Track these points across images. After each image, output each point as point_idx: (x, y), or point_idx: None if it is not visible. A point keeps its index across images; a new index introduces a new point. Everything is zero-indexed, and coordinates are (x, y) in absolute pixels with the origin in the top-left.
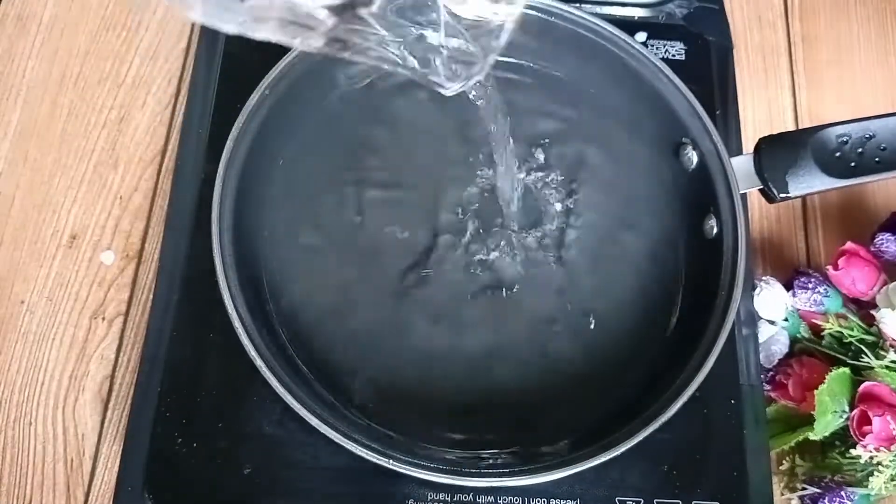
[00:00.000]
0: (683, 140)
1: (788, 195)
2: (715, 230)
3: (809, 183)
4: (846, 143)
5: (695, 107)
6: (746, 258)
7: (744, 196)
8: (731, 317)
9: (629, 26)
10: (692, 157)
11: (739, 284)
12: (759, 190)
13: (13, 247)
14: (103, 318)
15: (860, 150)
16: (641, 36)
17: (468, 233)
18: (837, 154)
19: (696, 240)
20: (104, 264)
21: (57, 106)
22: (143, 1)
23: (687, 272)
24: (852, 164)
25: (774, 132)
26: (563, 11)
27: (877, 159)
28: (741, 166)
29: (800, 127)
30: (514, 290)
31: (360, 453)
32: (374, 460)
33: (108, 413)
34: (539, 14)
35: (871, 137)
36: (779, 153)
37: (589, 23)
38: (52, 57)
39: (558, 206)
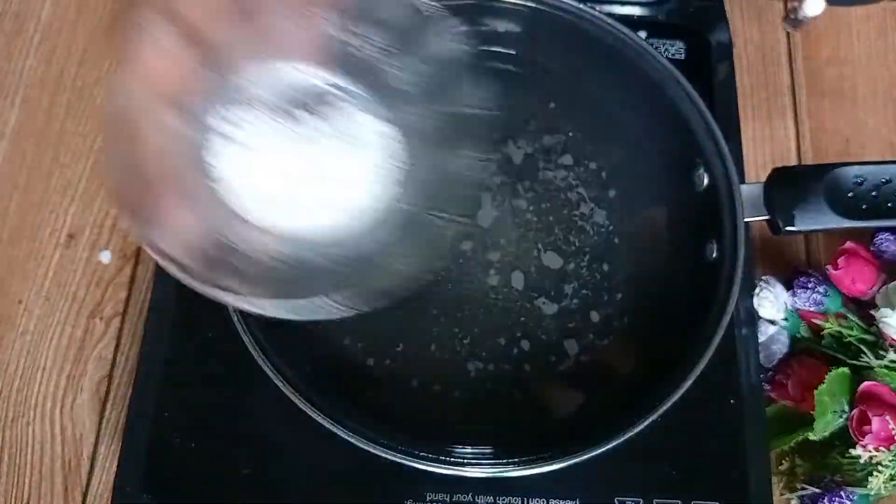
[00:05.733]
0: (696, 160)
1: (794, 229)
2: (714, 254)
3: (817, 220)
4: (861, 184)
5: (711, 128)
6: (741, 289)
7: (748, 225)
8: (717, 340)
9: (629, 25)
10: (703, 178)
11: (729, 312)
12: (765, 220)
13: (10, 246)
14: (101, 318)
15: (875, 193)
16: (641, 35)
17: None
18: (850, 194)
19: (695, 260)
20: (102, 263)
21: (55, 105)
22: None
23: (684, 290)
24: (864, 206)
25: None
26: (581, 12)
27: (889, 204)
28: (750, 194)
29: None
30: (520, 288)
31: (364, 447)
32: (376, 452)
33: (106, 413)
34: (554, 11)
35: (887, 182)
36: (790, 186)
37: (613, 28)
38: (50, 56)
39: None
